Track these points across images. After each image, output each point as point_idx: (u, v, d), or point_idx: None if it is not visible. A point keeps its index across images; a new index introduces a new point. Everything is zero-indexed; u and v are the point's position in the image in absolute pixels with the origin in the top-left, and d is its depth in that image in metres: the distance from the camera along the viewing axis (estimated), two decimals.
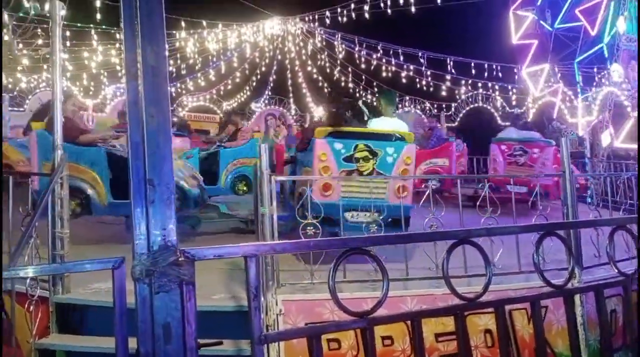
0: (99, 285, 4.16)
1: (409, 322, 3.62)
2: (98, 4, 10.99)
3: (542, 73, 16.82)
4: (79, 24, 12.30)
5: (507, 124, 19.74)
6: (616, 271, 1.85)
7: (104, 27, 13.42)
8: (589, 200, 7.25)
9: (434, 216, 4.53)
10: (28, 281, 3.77)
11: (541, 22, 16.58)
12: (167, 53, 1.33)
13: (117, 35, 14.29)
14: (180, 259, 1.25)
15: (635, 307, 1.86)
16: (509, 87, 20.08)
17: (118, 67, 16.27)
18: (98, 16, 11.23)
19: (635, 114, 12.34)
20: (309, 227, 4.44)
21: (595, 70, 15.92)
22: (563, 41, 16.52)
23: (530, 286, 4.28)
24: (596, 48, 16.15)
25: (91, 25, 13.00)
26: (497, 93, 20.68)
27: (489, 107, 21.67)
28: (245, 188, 8.26)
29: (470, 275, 4.13)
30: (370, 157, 5.01)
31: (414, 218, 5.08)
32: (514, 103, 20.79)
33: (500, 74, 18.84)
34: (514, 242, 4.46)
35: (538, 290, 3.94)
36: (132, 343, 1.27)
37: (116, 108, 15.27)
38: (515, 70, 18.09)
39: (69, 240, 4.17)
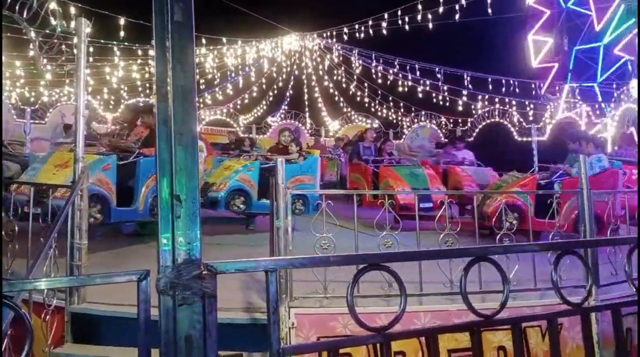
0: (116, 295, 4.23)
1: (422, 337, 3.66)
2: (122, 22, 11.29)
3: (562, 93, 16.73)
4: (102, 41, 12.61)
5: (526, 139, 19.63)
6: (634, 289, 1.85)
7: (126, 43, 13.73)
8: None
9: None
10: (46, 291, 3.84)
11: (564, 42, 16.49)
12: (196, 73, 1.38)
13: (139, 52, 14.66)
14: (203, 272, 1.29)
15: None
16: (526, 103, 19.98)
17: (138, 82, 16.62)
18: (121, 33, 11.52)
19: None
20: (323, 242, 4.48)
21: (614, 86, 15.81)
22: (583, 62, 16.46)
23: (545, 303, 4.26)
24: (619, 63, 16.02)
25: (114, 42, 13.31)
26: (514, 108, 20.57)
27: (505, 123, 21.53)
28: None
29: (485, 291, 4.12)
30: None
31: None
32: (530, 118, 20.64)
33: (517, 90, 18.79)
34: (529, 259, 4.46)
35: (553, 307, 3.92)
36: (154, 354, 1.31)
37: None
38: (533, 86, 18.04)
39: (86, 251, 4.25)
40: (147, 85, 18.57)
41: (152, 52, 15.48)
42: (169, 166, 1.29)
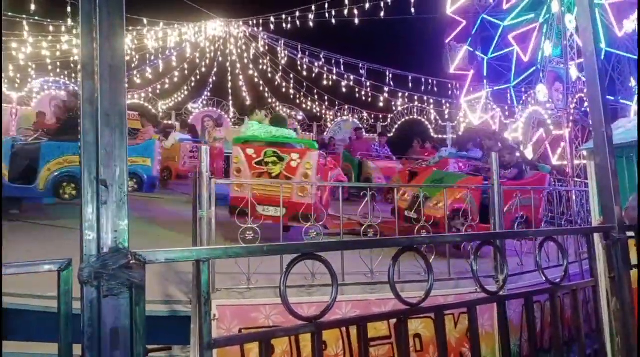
0: (34, 288, 3.93)
1: (343, 327, 3.74)
2: None
3: (480, 101, 17.80)
4: (9, 13, 11.62)
5: (442, 136, 20.60)
6: (544, 279, 1.99)
7: (36, 18, 12.75)
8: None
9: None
10: None
11: (476, 52, 17.58)
12: (126, 52, 1.30)
13: (51, 28, 13.63)
14: (131, 261, 1.22)
15: (559, 314, 2.01)
16: (443, 101, 20.93)
17: (48, 61, 15.47)
18: (32, 7, 10.68)
19: (560, 132, 13.25)
20: (248, 232, 4.44)
21: (524, 90, 16.98)
22: (498, 70, 17.59)
23: (460, 292, 4.53)
24: (531, 71, 17.32)
25: (24, 16, 12.31)
26: (431, 106, 21.49)
27: (423, 120, 22.44)
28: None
29: (405, 281, 4.28)
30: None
31: None
32: (446, 116, 21.70)
33: (435, 89, 19.63)
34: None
35: (469, 296, 4.17)
36: (76, 350, 1.23)
37: (42, 102, 14.48)
38: (450, 86, 18.92)
39: None
40: (57, 63, 17.40)
41: (64, 27, 14.49)
42: (94, 148, 1.21)
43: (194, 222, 4.05)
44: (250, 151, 5.95)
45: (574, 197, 8.66)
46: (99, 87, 1.22)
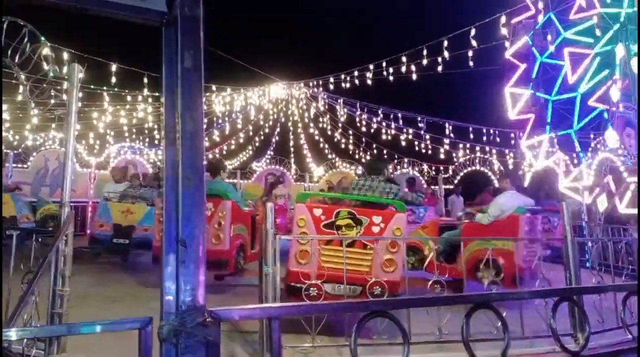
0: (94, 347, 4.07)
1: None
2: (114, 68, 11.47)
3: (541, 144, 17.33)
4: (92, 86, 12.77)
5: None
6: (630, 336, 1.86)
7: (115, 89, 13.91)
8: (587, 264, 7.23)
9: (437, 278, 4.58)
10: (25, 340, 3.68)
11: (537, 94, 17.32)
12: (203, 119, 1.41)
13: (128, 98, 14.81)
14: (207, 319, 1.26)
15: None
16: (506, 152, 20.45)
17: (125, 128, 16.71)
18: (113, 79, 11.70)
19: (634, 179, 12.51)
20: (311, 289, 4.42)
21: (591, 136, 16.35)
22: (560, 113, 17.16)
23: (536, 352, 4.23)
24: (595, 113, 16.73)
25: (104, 88, 13.48)
26: (494, 157, 21.03)
27: (486, 171, 21.93)
28: None
29: (476, 339, 4.07)
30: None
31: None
32: (510, 167, 21.10)
33: (497, 139, 19.26)
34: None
35: (547, 356, 3.89)
36: None
37: (119, 165, 15.50)
38: (512, 135, 18.53)
39: (68, 299, 4.12)
40: (134, 130, 18.65)
41: (140, 97, 15.63)
42: (174, 210, 1.29)
43: (260, 278, 4.09)
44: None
45: None
46: (180, 153, 1.32)
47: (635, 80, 13.92)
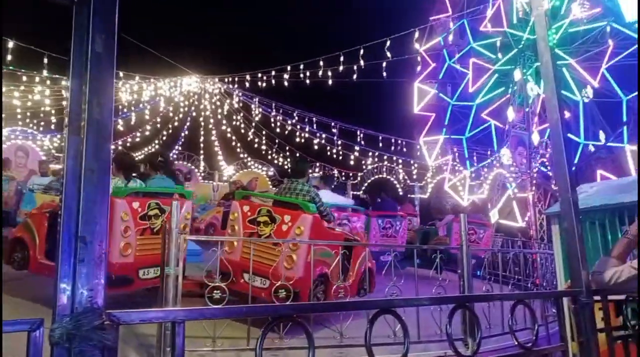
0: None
1: None
2: (11, 44, 10.49)
3: (437, 143, 18.61)
4: None
5: (410, 195, 21.02)
6: (516, 342, 2.00)
7: (11, 67, 12.74)
8: (478, 273, 7.74)
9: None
10: None
11: (441, 94, 18.55)
12: (113, 107, 1.31)
13: (24, 78, 13.63)
14: (105, 322, 1.18)
15: None
16: (411, 162, 21.45)
17: (18, 110, 15.38)
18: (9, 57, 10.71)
19: (524, 195, 13.67)
20: (215, 291, 4.32)
21: (488, 152, 17.68)
22: (457, 116, 18.54)
23: (431, 355, 4.45)
24: (483, 126, 18.23)
25: None
26: (400, 166, 21.98)
27: (392, 179, 22.85)
28: None
29: (376, 344, 4.18)
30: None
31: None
32: (414, 176, 22.18)
33: (404, 149, 20.16)
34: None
35: None
36: None
37: (8, 151, 14.21)
38: (418, 146, 19.51)
39: None
40: (27, 113, 17.23)
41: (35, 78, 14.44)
42: (75, 204, 1.19)
43: (161, 281, 3.93)
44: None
45: (538, 259, 8.83)
46: (84, 142, 1.22)
47: (528, 101, 15.20)
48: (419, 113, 18.89)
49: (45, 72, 13.57)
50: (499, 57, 16.81)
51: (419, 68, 18.65)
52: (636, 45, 13.15)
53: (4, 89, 14.34)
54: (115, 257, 4.67)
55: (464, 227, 5.07)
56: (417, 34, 16.59)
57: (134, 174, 5.74)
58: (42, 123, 18.65)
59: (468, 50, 18.22)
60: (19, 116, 16.74)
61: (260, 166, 21.10)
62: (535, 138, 14.68)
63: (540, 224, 13.99)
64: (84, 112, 1.25)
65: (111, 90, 1.32)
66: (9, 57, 11.30)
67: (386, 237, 9.33)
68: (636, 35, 12.73)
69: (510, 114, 15.49)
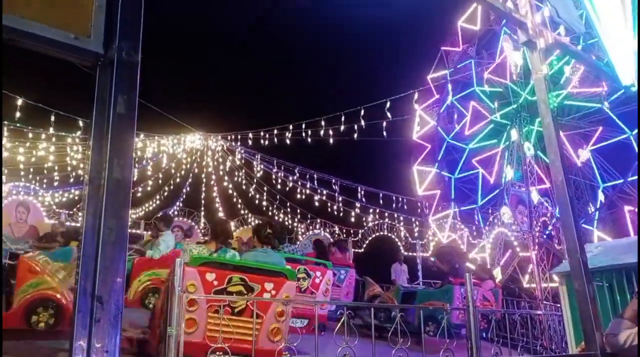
0: None
1: None
2: (19, 102, 10.74)
3: (448, 219, 18.62)
4: None
5: (411, 253, 20.86)
6: None
7: (17, 125, 12.99)
8: (483, 335, 7.54)
9: (347, 345, 4.47)
10: None
11: (442, 173, 18.81)
12: (133, 167, 1.34)
13: (30, 135, 13.85)
14: None
15: None
16: (413, 220, 21.38)
17: (22, 166, 15.53)
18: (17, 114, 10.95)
19: (527, 254, 13.54)
20: (218, 352, 4.18)
21: (490, 211, 17.72)
22: (464, 191, 18.71)
23: None
24: (496, 192, 18.38)
25: (5, 122, 12.55)
26: (401, 224, 21.88)
27: (393, 236, 22.67)
28: None
29: None
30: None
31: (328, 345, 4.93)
32: (416, 234, 22.02)
33: (405, 207, 20.16)
34: None
35: None
36: None
37: (8, 207, 14.20)
38: (419, 204, 19.53)
39: None
40: (31, 169, 17.37)
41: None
42: (92, 262, 1.19)
43: (162, 341, 3.82)
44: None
45: (545, 320, 8.64)
46: (104, 201, 1.24)
47: (525, 160, 15.39)
48: (416, 141, 19.15)
49: (51, 130, 13.81)
50: (496, 108, 17.38)
51: (416, 97, 18.90)
52: (622, 136, 14.01)
53: (9, 145, 14.53)
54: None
55: (470, 287, 4.99)
56: (416, 96, 17.04)
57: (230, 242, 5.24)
58: (45, 180, 18.77)
59: (470, 92, 18.76)
60: (22, 172, 16.87)
61: (259, 222, 21.04)
62: (535, 197, 14.74)
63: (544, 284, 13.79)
64: (105, 170, 1.27)
65: (131, 150, 1.35)
66: (17, 114, 11.50)
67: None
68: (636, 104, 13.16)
69: (509, 172, 15.64)
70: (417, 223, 21.16)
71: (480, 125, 17.96)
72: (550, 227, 14.31)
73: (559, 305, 7.61)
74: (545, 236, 14.52)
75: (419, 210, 20.05)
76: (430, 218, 18.90)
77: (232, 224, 21.40)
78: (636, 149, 14.14)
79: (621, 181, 14.94)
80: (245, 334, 4.11)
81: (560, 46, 3.51)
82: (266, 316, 4.34)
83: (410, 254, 21.45)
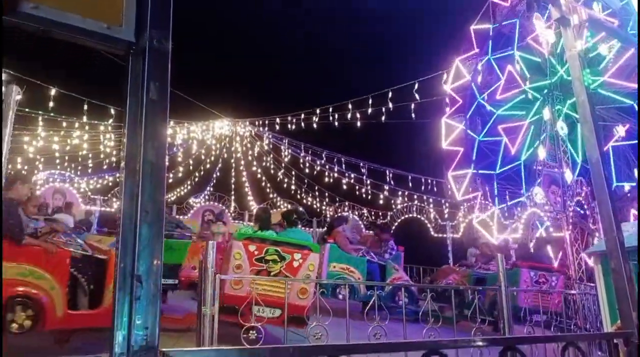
0: None
1: None
2: (53, 92, 11.02)
3: (466, 178, 18.45)
4: (27, 109, 12.21)
5: (441, 235, 20.71)
6: None
7: (52, 114, 13.35)
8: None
9: (378, 324, 4.52)
10: None
11: (469, 131, 18.49)
12: (167, 151, 1.37)
13: (64, 124, 14.23)
14: None
15: None
16: (442, 201, 21.19)
17: (57, 154, 15.98)
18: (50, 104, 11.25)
19: (560, 234, 13.29)
20: (251, 331, 4.28)
21: (511, 188, 17.47)
22: (485, 152, 18.39)
23: None
24: (514, 164, 18.04)
25: (40, 112, 12.92)
26: (430, 205, 21.71)
27: (422, 218, 22.54)
28: None
29: None
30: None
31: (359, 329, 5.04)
32: (446, 216, 21.83)
33: (434, 188, 20.00)
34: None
35: None
36: None
37: (44, 193, 14.69)
38: (449, 186, 19.33)
39: None
40: (66, 157, 17.86)
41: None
42: (131, 244, 1.23)
43: (198, 319, 3.93)
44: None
45: (579, 300, 8.50)
46: (140, 184, 1.28)
47: (558, 140, 15.01)
48: (447, 148, 18.88)
49: (84, 118, 14.15)
50: (528, 107, 16.97)
51: (447, 109, 18.74)
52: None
53: (44, 134, 14.94)
54: (226, 289, 5.20)
55: (502, 267, 4.94)
56: (444, 76, 16.74)
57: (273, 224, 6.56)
58: (79, 167, 19.29)
59: (509, 55, 18.17)
60: (57, 160, 17.38)
61: (289, 206, 21.18)
62: (568, 176, 14.40)
63: (578, 263, 13.53)
64: (140, 155, 1.31)
65: (165, 134, 1.38)
66: (51, 104, 11.81)
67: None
68: None
69: (541, 152, 15.29)
70: (447, 205, 20.98)
71: (513, 92, 17.50)
72: (586, 207, 13.98)
73: (593, 285, 7.48)
74: (579, 216, 14.20)
75: (449, 192, 19.84)
76: (449, 173, 18.74)
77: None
78: None
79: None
80: (279, 292, 5.14)
81: (594, 23, 3.39)
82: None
83: (440, 235, 21.33)
